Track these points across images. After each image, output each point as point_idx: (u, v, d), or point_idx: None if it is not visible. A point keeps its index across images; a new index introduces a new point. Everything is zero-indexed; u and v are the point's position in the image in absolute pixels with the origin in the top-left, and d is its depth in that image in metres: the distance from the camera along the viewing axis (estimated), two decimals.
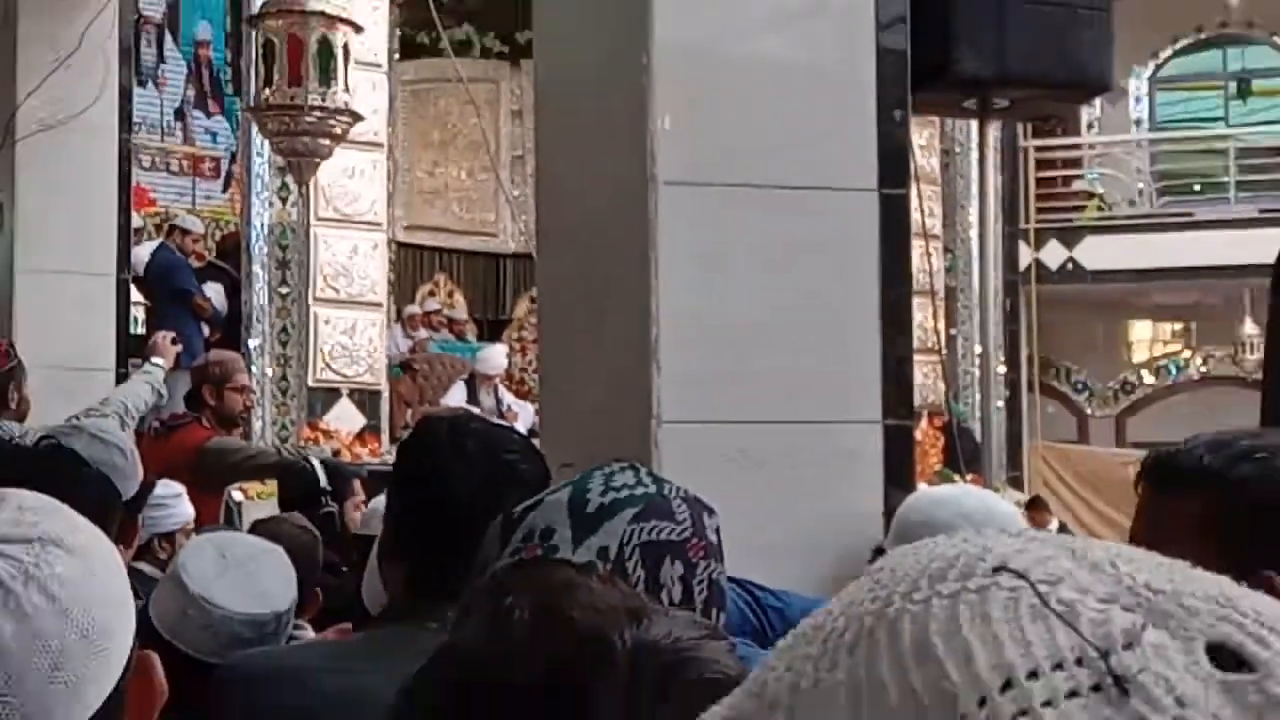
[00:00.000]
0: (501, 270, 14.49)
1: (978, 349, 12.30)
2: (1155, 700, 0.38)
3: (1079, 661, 0.39)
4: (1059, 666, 0.39)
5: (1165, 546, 0.45)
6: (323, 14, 6.92)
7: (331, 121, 6.90)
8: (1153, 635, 0.40)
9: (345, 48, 6.95)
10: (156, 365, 5.44)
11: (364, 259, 9.56)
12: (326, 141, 6.99)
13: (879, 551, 2.34)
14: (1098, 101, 15.44)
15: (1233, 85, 18.98)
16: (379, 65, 9.59)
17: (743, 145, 3.02)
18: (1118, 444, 16.33)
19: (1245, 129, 17.76)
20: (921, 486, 3.49)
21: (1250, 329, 15.26)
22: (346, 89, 6.92)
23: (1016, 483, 13.11)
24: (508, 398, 11.40)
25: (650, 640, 0.91)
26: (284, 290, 9.44)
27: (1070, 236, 15.98)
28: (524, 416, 9.90)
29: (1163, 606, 0.41)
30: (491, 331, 13.87)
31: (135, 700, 1.14)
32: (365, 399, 9.59)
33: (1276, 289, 3.13)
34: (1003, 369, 13.53)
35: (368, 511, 4.77)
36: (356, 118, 7.13)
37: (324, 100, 6.82)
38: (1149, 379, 18.10)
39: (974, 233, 12.75)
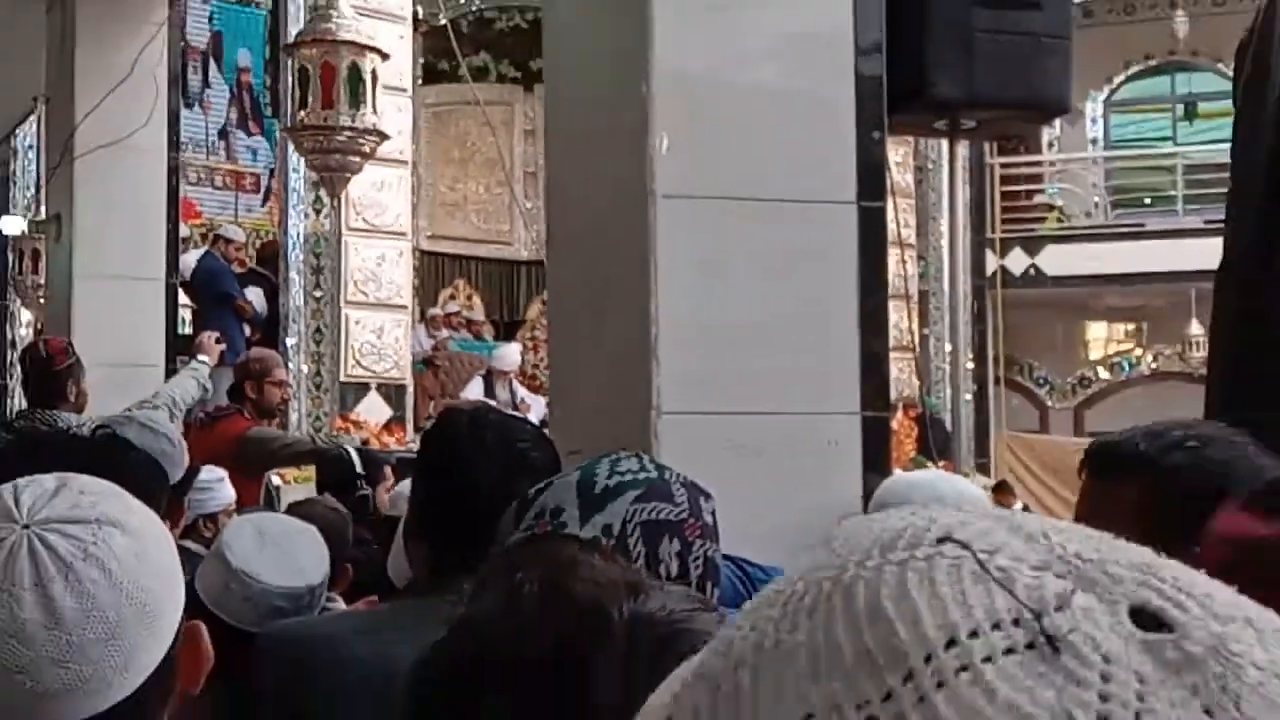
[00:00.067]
0: (516, 275, 14.50)
1: (948, 347, 12.28)
2: (1084, 657, 0.39)
3: (1015, 622, 0.39)
4: (997, 626, 0.39)
5: (1106, 529, 0.45)
6: (353, 43, 6.91)
7: (361, 140, 6.89)
8: (1081, 599, 0.40)
9: (373, 73, 6.94)
10: (202, 362, 5.45)
11: (390, 265, 9.54)
12: (356, 159, 6.98)
13: None
14: (1057, 122, 15.40)
15: (1180, 108, 18.98)
16: (404, 89, 9.57)
17: (734, 162, 3.02)
18: (1076, 434, 16.28)
19: (1192, 148, 17.73)
20: (897, 472, 3.49)
21: (1196, 329, 15.26)
22: (374, 111, 6.91)
23: (984, 469, 13.10)
24: (521, 391, 11.40)
25: (646, 613, 0.91)
26: (318, 294, 9.43)
27: (1032, 245, 15.99)
28: (536, 408, 9.89)
29: (1090, 574, 0.41)
30: (507, 331, 13.88)
31: (185, 665, 1.14)
32: (392, 392, 9.56)
33: (1219, 292, 3.13)
34: (971, 365, 13.54)
35: (394, 494, 4.77)
36: (383, 137, 7.12)
37: (354, 121, 6.81)
38: (1104, 375, 18.08)
39: (945, 242, 12.75)
